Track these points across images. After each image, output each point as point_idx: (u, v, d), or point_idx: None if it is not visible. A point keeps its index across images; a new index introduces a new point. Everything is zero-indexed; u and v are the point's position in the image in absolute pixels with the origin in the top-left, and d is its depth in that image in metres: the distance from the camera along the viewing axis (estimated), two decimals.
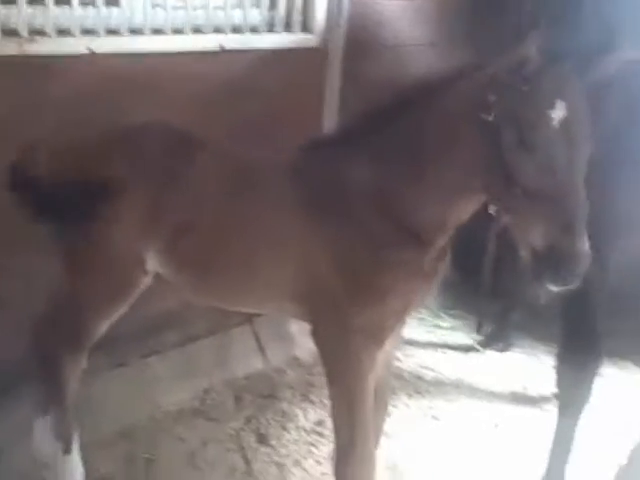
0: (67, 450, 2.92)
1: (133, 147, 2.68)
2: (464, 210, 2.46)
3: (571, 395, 2.99)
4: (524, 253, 2.20)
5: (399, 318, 2.64)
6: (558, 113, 2.09)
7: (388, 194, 2.47)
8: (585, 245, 2.08)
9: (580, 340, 2.96)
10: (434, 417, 3.79)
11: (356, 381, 2.55)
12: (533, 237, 2.14)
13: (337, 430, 2.65)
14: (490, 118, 2.16)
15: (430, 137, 2.38)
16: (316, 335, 2.65)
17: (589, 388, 2.95)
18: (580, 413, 2.97)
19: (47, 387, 2.87)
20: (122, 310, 2.78)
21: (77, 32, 3.21)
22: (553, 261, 2.11)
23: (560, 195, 2.08)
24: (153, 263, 2.70)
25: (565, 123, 2.09)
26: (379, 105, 2.56)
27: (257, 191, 2.63)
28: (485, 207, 2.40)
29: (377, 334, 2.54)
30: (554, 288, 2.20)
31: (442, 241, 2.51)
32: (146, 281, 2.75)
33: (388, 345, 2.69)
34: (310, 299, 2.59)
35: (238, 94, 3.75)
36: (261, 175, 2.69)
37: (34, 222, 2.64)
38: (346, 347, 2.53)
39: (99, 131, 2.80)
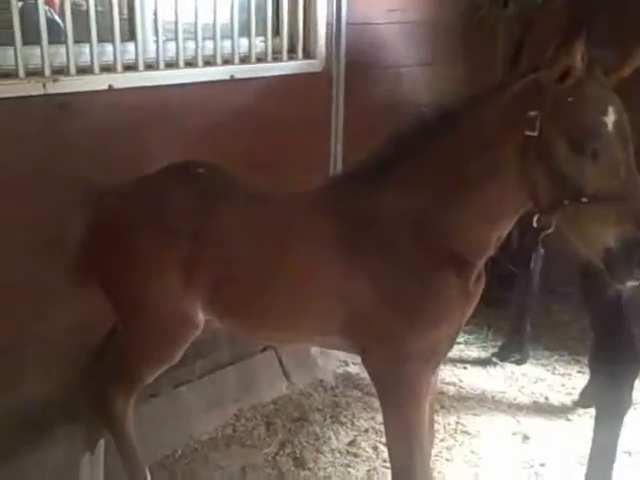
0: None
1: (161, 204, 2.67)
2: (506, 228, 2.46)
3: (611, 403, 2.94)
4: (595, 256, 2.19)
5: (451, 341, 2.64)
6: (611, 117, 2.12)
7: (429, 220, 2.43)
8: None
9: (616, 345, 2.92)
10: (465, 432, 3.82)
11: (413, 408, 2.53)
12: (605, 239, 2.14)
13: (394, 456, 2.63)
14: (535, 133, 2.16)
15: (469, 159, 2.34)
16: (369, 365, 2.62)
17: (630, 394, 2.93)
18: (622, 421, 2.93)
19: (110, 433, 2.91)
20: (175, 360, 2.80)
21: (97, 69, 3.23)
22: (635, 256, 2.11)
23: (628, 193, 2.10)
24: (202, 315, 2.72)
25: (617, 124, 2.13)
26: (408, 130, 2.52)
27: (292, 231, 2.60)
28: None
29: (431, 359, 2.54)
30: (634, 283, 2.22)
31: (483, 261, 2.52)
32: (198, 332, 2.77)
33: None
34: (359, 331, 2.55)
35: (250, 121, 3.81)
36: (293, 213, 2.66)
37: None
38: (402, 375, 2.50)
39: (122, 182, 2.80)
